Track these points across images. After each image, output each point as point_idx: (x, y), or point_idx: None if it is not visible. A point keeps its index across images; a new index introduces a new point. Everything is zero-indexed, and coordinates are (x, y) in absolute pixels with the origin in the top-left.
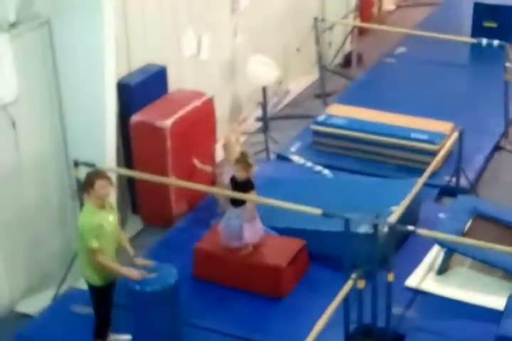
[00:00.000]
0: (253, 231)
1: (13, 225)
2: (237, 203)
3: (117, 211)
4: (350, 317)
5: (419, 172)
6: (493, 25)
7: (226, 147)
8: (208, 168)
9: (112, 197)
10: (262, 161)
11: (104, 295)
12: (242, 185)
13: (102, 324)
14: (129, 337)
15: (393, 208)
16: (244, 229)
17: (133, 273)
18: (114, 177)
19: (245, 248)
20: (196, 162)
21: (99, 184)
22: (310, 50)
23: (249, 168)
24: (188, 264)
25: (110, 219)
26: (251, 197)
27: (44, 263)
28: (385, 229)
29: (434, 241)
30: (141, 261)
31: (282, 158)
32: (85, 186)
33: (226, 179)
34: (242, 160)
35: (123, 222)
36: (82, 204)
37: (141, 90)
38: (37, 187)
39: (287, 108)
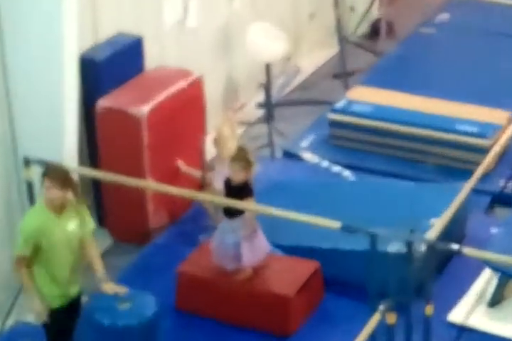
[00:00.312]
0: (253, 251)
1: None
2: (232, 214)
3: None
4: None
5: (466, 174)
6: None
7: (219, 141)
8: (196, 173)
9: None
10: (264, 159)
11: (57, 323)
12: (238, 190)
13: None
14: None
15: (433, 221)
16: (243, 247)
17: (37, 311)
18: (75, 179)
19: (243, 271)
20: (181, 163)
21: (45, 184)
22: (327, 16)
23: (249, 168)
24: (170, 292)
25: (69, 227)
26: (250, 205)
27: None
28: (423, 248)
29: (485, 263)
30: (111, 287)
31: (290, 155)
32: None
33: (218, 183)
34: (240, 157)
35: None
36: None
37: (110, 67)
38: None
39: (297, 91)
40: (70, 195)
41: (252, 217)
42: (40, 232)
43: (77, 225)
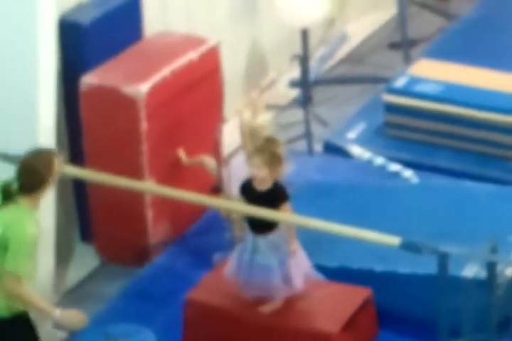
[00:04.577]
0: (300, 272)
1: None
2: (264, 228)
3: (58, 236)
4: None
5: None
6: None
7: (245, 131)
8: (209, 162)
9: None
10: (299, 155)
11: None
12: (267, 195)
13: None
14: None
15: None
16: (290, 267)
17: (74, 317)
18: None
19: (271, 302)
20: (182, 154)
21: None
22: None
23: (276, 164)
24: (176, 327)
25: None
26: (287, 214)
27: None
28: (508, 272)
29: None
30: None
31: (334, 149)
32: (42, 175)
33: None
34: (264, 149)
35: (66, 256)
36: None
37: (98, 34)
38: None
39: (343, 65)
40: None
41: (293, 229)
42: (35, 243)
43: None
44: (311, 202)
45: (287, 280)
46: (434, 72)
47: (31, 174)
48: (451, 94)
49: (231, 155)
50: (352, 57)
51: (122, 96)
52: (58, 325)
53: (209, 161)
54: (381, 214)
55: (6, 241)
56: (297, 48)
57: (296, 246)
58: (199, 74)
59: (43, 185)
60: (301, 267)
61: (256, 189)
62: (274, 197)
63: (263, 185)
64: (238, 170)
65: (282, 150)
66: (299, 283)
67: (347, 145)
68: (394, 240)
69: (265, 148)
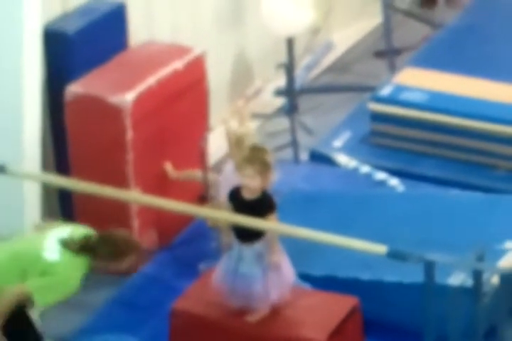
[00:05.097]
0: (280, 283)
1: None
2: (250, 236)
3: None
4: None
5: None
6: None
7: (231, 140)
8: (194, 174)
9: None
10: (285, 163)
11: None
12: (254, 205)
13: None
14: None
15: (508, 244)
16: (269, 279)
17: None
18: (37, 189)
19: (257, 310)
20: (168, 167)
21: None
22: None
23: (266, 173)
24: (163, 336)
25: None
26: (273, 223)
27: None
28: (494, 280)
29: None
30: None
31: (320, 158)
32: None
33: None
34: (254, 158)
35: None
36: None
37: (83, 43)
38: None
39: (329, 74)
40: None
41: (276, 240)
42: None
43: None
44: (297, 211)
45: (265, 292)
46: (419, 80)
47: (111, 252)
48: (437, 102)
49: (222, 161)
50: (337, 66)
51: (108, 106)
52: None
53: (197, 174)
54: (367, 223)
55: (47, 270)
56: (283, 57)
57: (279, 258)
58: (184, 84)
59: (108, 263)
60: (281, 280)
61: (244, 197)
62: (262, 206)
63: (252, 193)
64: (229, 176)
65: (271, 157)
66: (275, 296)
67: (333, 154)
68: (380, 248)
69: (255, 158)
